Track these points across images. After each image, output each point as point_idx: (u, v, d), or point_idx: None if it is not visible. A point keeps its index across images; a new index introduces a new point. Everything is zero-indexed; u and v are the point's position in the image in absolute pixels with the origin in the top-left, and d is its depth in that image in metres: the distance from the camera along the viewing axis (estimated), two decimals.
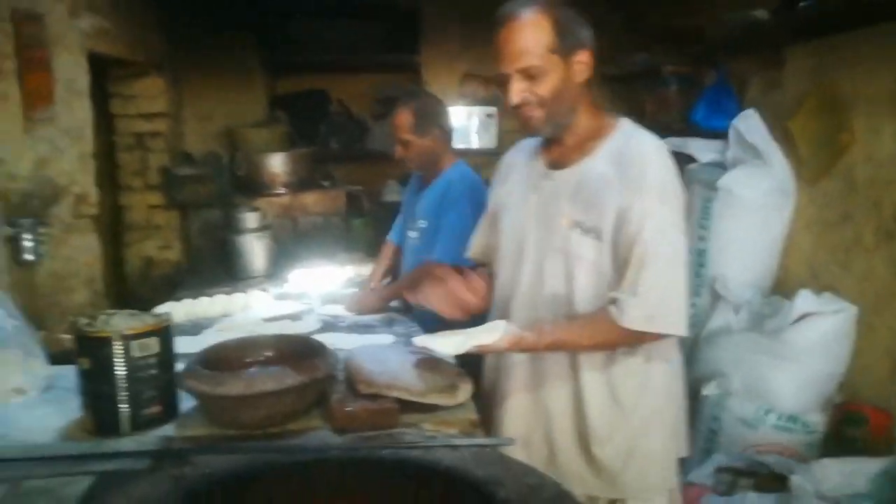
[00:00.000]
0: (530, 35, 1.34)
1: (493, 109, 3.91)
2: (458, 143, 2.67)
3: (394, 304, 2.39)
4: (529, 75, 1.35)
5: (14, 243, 1.64)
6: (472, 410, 1.34)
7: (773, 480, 1.79)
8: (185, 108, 3.64)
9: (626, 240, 1.34)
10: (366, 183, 3.81)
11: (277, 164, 3.39)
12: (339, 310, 2.39)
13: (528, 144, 1.56)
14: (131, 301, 3.09)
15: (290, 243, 3.30)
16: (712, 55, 2.87)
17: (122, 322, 1.27)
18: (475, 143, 3.93)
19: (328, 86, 4.06)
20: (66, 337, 1.78)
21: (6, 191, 1.63)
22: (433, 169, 2.44)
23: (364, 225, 3.65)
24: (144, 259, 3.34)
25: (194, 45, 3.52)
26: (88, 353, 1.21)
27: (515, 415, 1.51)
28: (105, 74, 3.08)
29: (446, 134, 2.47)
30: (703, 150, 2.69)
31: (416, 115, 2.37)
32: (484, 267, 1.70)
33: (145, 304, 2.74)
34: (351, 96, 4.10)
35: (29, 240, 1.66)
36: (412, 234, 2.54)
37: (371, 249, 3.36)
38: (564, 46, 1.35)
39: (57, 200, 1.89)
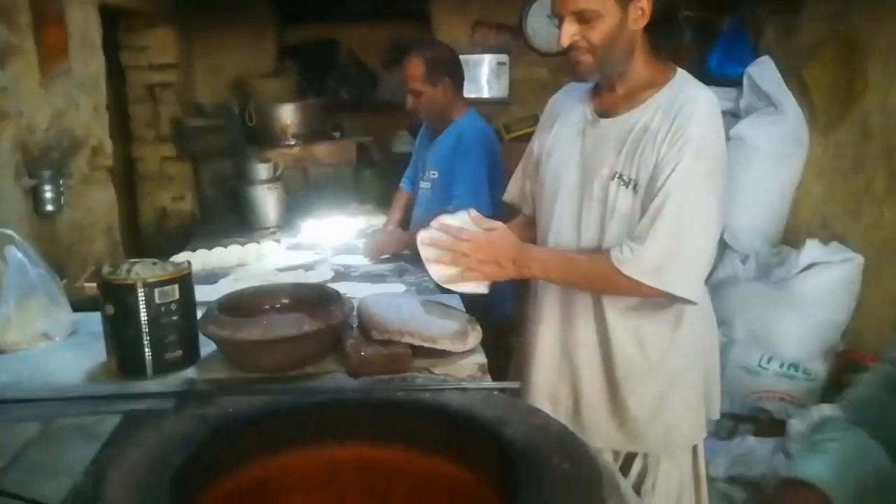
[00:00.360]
0: None
1: (504, 57, 3.86)
2: (468, 93, 2.64)
3: (405, 252, 2.42)
4: (583, 18, 1.29)
5: (35, 195, 1.68)
6: (481, 355, 1.39)
7: (773, 426, 1.84)
8: (195, 60, 3.63)
9: (652, 189, 1.30)
10: (376, 133, 3.80)
11: (288, 114, 3.39)
12: (350, 259, 2.44)
13: (579, 88, 1.49)
14: (147, 251, 3.15)
15: (301, 194, 3.33)
16: (728, 1, 2.82)
17: (144, 270, 1.31)
18: (486, 92, 3.89)
19: (338, 35, 4.02)
20: (88, 285, 1.84)
21: (26, 143, 1.66)
22: (444, 119, 2.43)
23: (374, 175, 3.66)
24: (158, 210, 3.38)
25: None
26: (113, 300, 1.26)
27: (544, 366, 1.51)
28: (115, 26, 3.07)
29: (458, 83, 2.46)
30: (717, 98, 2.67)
31: (427, 65, 2.35)
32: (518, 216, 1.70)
33: (161, 254, 2.79)
34: (361, 46, 4.06)
35: (49, 191, 1.69)
36: (424, 185, 2.55)
37: (381, 200, 3.38)
38: None
39: (75, 153, 1.92)
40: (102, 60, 2.20)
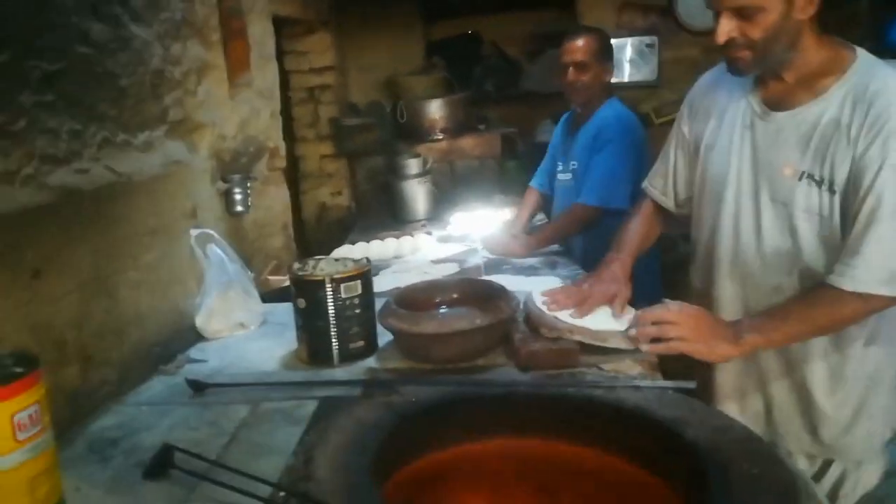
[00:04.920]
0: None
1: (653, 39, 3.73)
2: (613, 77, 2.57)
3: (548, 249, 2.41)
4: (743, 14, 1.20)
5: (227, 197, 1.86)
6: (651, 353, 1.37)
7: None
8: (348, 61, 3.83)
9: (857, 193, 1.18)
10: (520, 124, 3.82)
11: (436, 110, 3.49)
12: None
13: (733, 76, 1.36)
14: (310, 244, 3.39)
15: (448, 187, 3.42)
16: None
17: (328, 267, 1.42)
18: (627, 75, 3.77)
19: (481, 28, 4.07)
20: (273, 278, 2.02)
21: (219, 151, 1.84)
22: (593, 103, 2.40)
23: (518, 167, 3.69)
24: (319, 205, 3.62)
25: None
26: (305, 294, 1.38)
27: (727, 366, 1.42)
28: (279, 33, 3.30)
29: (612, 73, 2.44)
30: None
31: (601, 42, 2.36)
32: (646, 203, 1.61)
33: (322, 247, 3.01)
34: (503, 37, 4.09)
35: (238, 193, 1.87)
36: (564, 177, 2.53)
37: (524, 191, 3.39)
38: None
39: (260, 157, 2.10)
40: (276, 68, 2.38)
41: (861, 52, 1.26)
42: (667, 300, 1.30)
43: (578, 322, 1.36)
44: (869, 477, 1.35)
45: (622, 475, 1.10)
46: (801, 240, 1.27)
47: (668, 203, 1.59)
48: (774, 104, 1.31)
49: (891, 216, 1.16)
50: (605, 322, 1.38)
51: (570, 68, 2.34)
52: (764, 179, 1.31)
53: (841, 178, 1.21)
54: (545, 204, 2.69)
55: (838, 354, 1.32)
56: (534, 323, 1.39)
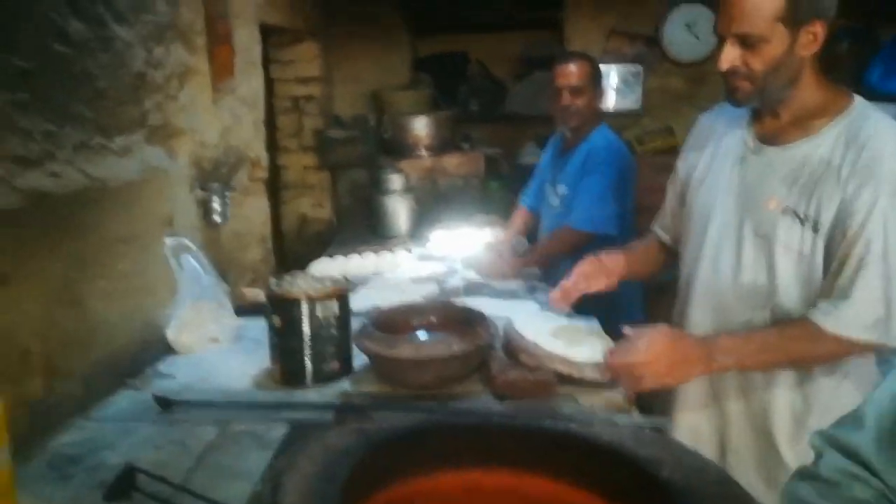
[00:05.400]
0: None
1: (638, 68, 3.77)
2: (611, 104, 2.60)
3: (533, 271, 2.41)
4: (747, 43, 1.20)
5: (205, 206, 1.83)
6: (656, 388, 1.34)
7: None
8: (334, 72, 3.81)
9: (844, 235, 1.19)
10: (504, 145, 3.83)
11: (421, 126, 3.48)
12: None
13: (732, 110, 1.38)
14: (288, 256, 3.35)
15: (430, 204, 3.41)
16: (891, 7, 2.60)
17: (305, 284, 1.40)
18: (617, 103, 3.81)
19: (468, 46, 4.08)
20: (248, 291, 1.98)
21: (199, 158, 1.81)
22: (585, 128, 2.40)
23: (501, 187, 3.69)
24: (300, 216, 3.58)
25: (342, 10, 3.66)
26: (280, 312, 1.35)
27: (688, 404, 1.44)
28: (266, 41, 3.28)
29: (602, 98, 2.46)
30: None
31: (594, 68, 2.37)
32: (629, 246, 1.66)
33: (301, 259, 2.97)
34: (490, 57, 4.11)
35: (217, 202, 1.84)
36: (554, 202, 2.53)
37: (507, 212, 3.39)
38: (796, 15, 1.18)
39: (240, 167, 2.07)
40: (262, 76, 2.36)
41: (858, 98, 1.27)
42: (633, 331, 1.28)
43: (558, 351, 1.35)
44: None
45: None
46: (778, 276, 1.28)
47: (668, 239, 1.61)
48: (767, 140, 1.32)
49: (880, 262, 1.17)
50: (584, 352, 1.37)
51: (565, 92, 2.35)
52: (748, 213, 1.32)
53: (827, 217, 1.21)
54: (533, 224, 2.68)
55: (805, 404, 1.31)
56: (513, 349, 1.37)
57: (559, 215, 2.47)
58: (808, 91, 1.26)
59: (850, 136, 1.21)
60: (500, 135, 3.94)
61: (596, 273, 1.56)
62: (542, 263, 2.41)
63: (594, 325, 1.60)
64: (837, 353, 1.22)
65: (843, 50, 2.88)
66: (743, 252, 1.32)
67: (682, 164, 1.53)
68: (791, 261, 1.26)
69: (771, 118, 1.32)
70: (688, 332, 1.36)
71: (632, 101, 3.79)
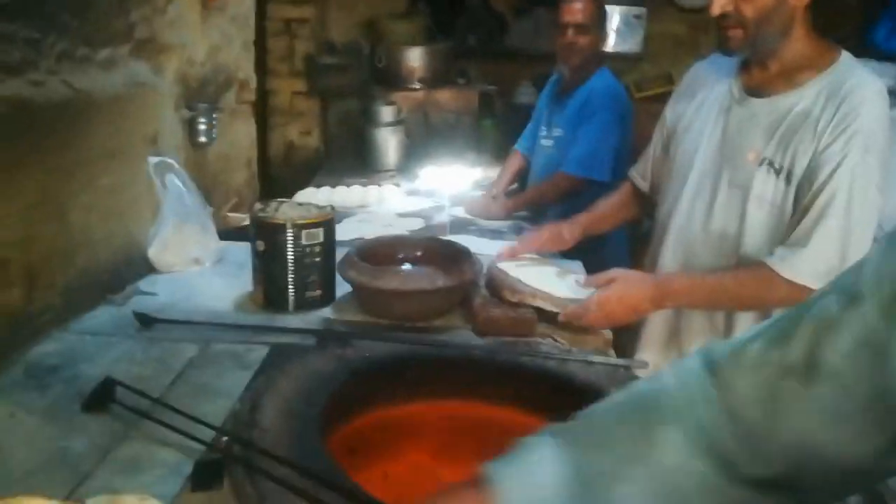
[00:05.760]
0: None
1: (641, 10, 3.68)
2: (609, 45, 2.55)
3: (521, 213, 2.41)
4: None
5: (191, 126, 1.79)
6: (606, 329, 1.39)
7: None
8: None
9: (812, 185, 1.21)
10: (500, 82, 3.75)
11: (416, 58, 3.40)
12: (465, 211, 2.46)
13: (725, 60, 1.40)
14: (274, 183, 3.31)
15: (421, 139, 3.36)
16: None
17: (291, 211, 1.38)
18: (612, 45, 3.71)
19: None
20: (233, 215, 1.97)
21: (186, 76, 1.75)
22: (586, 69, 2.36)
23: (493, 127, 3.64)
24: (287, 143, 3.52)
25: None
26: (264, 237, 1.34)
27: (650, 345, 1.50)
28: None
29: (605, 41, 2.41)
30: (878, 75, 2.45)
31: (599, 7, 2.33)
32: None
33: (286, 187, 2.93)
34: None
35: (203, 123, 1.80)
36: (546, 143, 2.51)
37: (498, 152, 3.36)
38: None
39: (228, 87, 2.02)
40: None
41: (845, 54, 1.29)
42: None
43: (541, 287, 1.36)
44: None
45: None
46: (747, 226, 1.31)
47: (645, 186, 1.62)
48: (753, 91, 1.33)
49: (841, 214, 1.20)
50: (566, 291, 1.38)
51: (570, 29, 2.30)
52: (727, 163, 1.34)
53: (800, 168, 1.24)
54: (527, 169, 2.66)
55: None
56: (496, 286, 1.38)
57: (551, 157, 2.45)
58: (798, 44, 1.27)
59: (832, 90, 1.23)
60: (497, 72, 3.85)
61: (551, 239, 1.59)
62: (533, 206, 2.41)
63: (578, 266, 1.62)
64: (790, 298, 1.25)
65: (852, 5, 2.83)
66: (716, 201, 1.35)
67: (670, 112, 1.54)
68: (762, 212, 1.29)
69: (759, 69, 1.33)
70: (644, 273, 1.40)
71: (632, 45, 3.72)
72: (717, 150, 1.36)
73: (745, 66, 1.36)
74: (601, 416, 0.59)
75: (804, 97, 1.25)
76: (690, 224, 1.40)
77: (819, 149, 1.21)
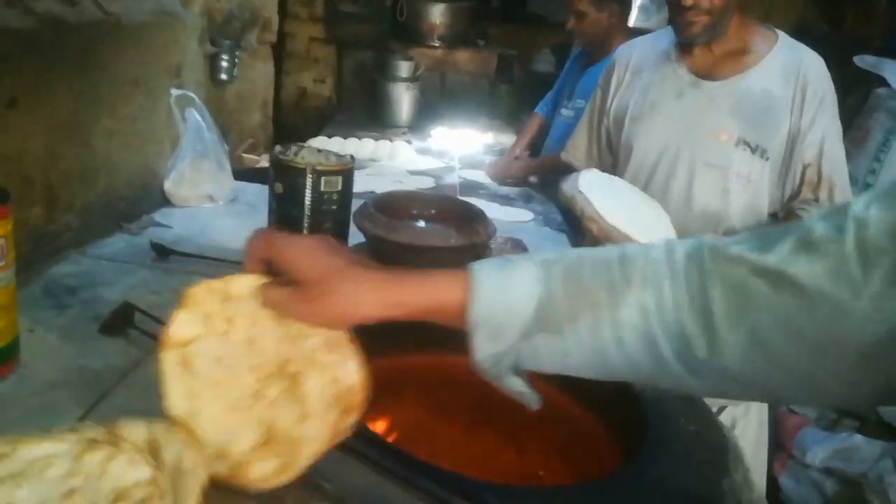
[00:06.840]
0: None
1: None
2: (632, 21, 2.54)
3: (533, 179, 2.42)
4: None
5: (213, 62, 1.77)
6: None
7: (880, 427, 1.80)
8: None
9: (803, 161, 1.33)
10: (520, 48, 3.72)
11: (438, 14, 3.36)
12: (476, 174, 2.46)
13: (652, 46, 1.48)
14: (285, 128, 3.29)
15: (435, 98, 3.34)
16: None
17: (310, 156, 1.38)
18: (636, 21, 3.67)
19: None
20: (247, 156, 1.96)
21: (213, 10, 1.74)
22: (602, 47, 2.34)
23: (509, 92, 3.62)
24: (300, 89, 3.49)
25: None
26: (283, 180, 1.34)
27: None
28: None
29: (624, 11, 2.37)
30: None
31: None
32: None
33: (296, 133, 2.92)
34: None
35: (225, 60, 1.78)
36: (566, 112, 2.51)
37: (511, 119, 3.35)
38: None
39: (252, 26, 2.00)
40: None
41: (781, 33, 1.40)
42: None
43: (622, 227, 1.25)
44: (752, 424, 1.48)
45: (562, 408, 1.15)
46: (730, 202, 1.40)
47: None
48: (703, 75, 1.41)
49: (842, 180, 1.35)
50: (649, 235, 1.31)
51: (571, 15, 2.32)
52: (698, 145, 1.41)
53: (777, 146, 1.35)
54: (544, 134, 2.67)
55: None
56: (578, 213, 1.29)
57: (570, 126, 2.43)
58: (735, 27, 1.38)
59: (787, 70, 1.34)
60: (517, 36, 3.81)
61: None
62: (552, 170, 2.42)
63: (663, 214, 1.56)
64: None
65: (883, 5, 2.80)
66: (695, 182, 1.43)
67: (608, 102, 1.60)
68: (741, 187, 1.38)
69: (703, 53, 1.41)
70: None
71: (655, 22, 3.67)
72: (681, 134, 1.43)
73: (686, 52, 1.43)
74: (587, 260, 0.61)
75: (762, 77, 1.35)
76: (668, 205, 1.44)
77: (792, 126, 1.33)
